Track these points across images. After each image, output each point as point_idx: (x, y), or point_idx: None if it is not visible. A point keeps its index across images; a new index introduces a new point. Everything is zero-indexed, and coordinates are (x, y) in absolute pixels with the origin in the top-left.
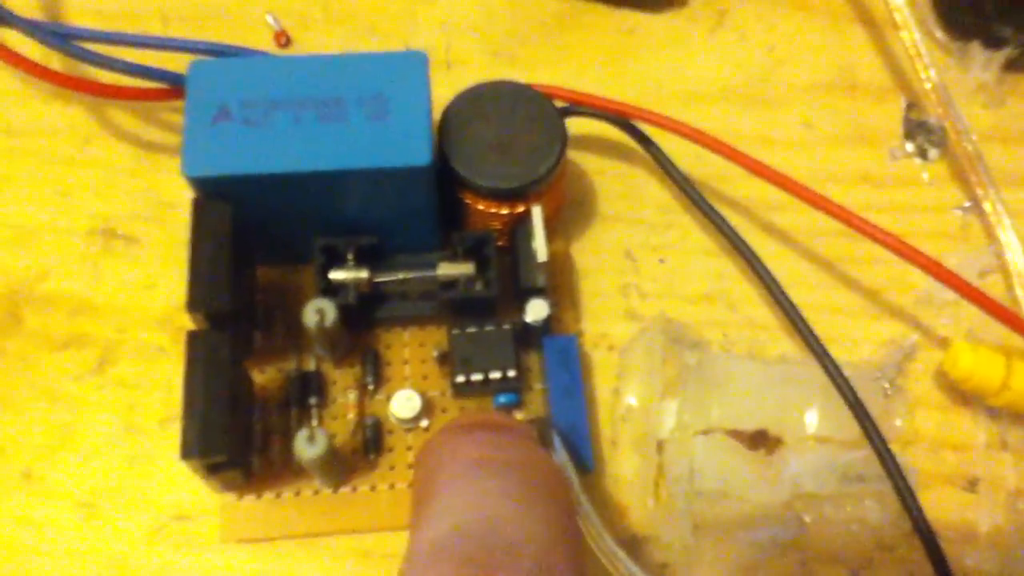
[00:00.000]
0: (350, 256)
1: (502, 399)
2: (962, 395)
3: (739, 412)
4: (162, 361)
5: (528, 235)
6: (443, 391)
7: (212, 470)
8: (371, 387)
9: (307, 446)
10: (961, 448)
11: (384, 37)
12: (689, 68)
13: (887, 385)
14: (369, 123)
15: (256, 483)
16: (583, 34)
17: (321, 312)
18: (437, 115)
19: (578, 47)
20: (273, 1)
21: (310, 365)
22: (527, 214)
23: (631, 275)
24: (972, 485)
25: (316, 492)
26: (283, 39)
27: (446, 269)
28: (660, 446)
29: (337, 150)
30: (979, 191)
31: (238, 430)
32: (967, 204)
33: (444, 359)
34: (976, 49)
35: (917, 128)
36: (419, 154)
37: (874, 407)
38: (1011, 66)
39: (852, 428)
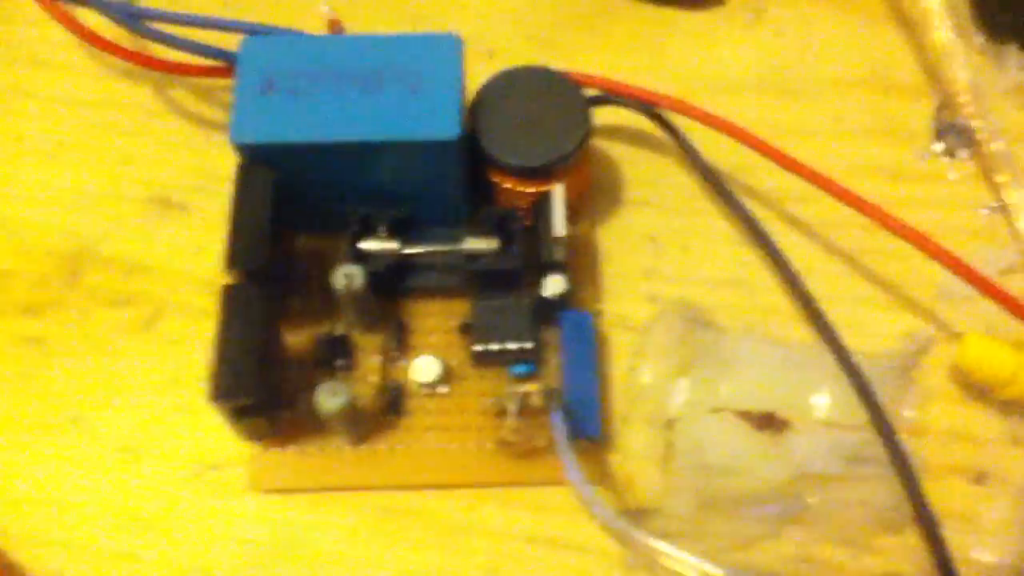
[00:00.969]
0: (382, 227)
1: (519, 369)
2: (975, 390)
3: (749, 393)
4: (206, 321)
5: (549, 211)
6: (463, 360)
7: (239, 415)
8: (395, 353)
9: (329, 398)
10: (972, 442)
11: (431, 27)
12: (723, 61)
13: (900, 376)
14: (404, 98)
15: (282, 436)
16: (621, 27)
17: (350, 276)
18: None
19: (616, 39)
20: None
21: (340, 330)
22: (549, 192)
23: (653, 259)
24: (981, 478)
25: (338, 448)
26: (336, 26)
27: (472, 243)
28: (670, 423)
29: (373, 122)
30: (1006, 192)
31: (265, 379)
32: (994, 204)
33: (465, 329)
34: (1012, 51)
35: (948, 128)
36: (448, 128)
37: (885, 397)
38: None
39: (860, 415)
